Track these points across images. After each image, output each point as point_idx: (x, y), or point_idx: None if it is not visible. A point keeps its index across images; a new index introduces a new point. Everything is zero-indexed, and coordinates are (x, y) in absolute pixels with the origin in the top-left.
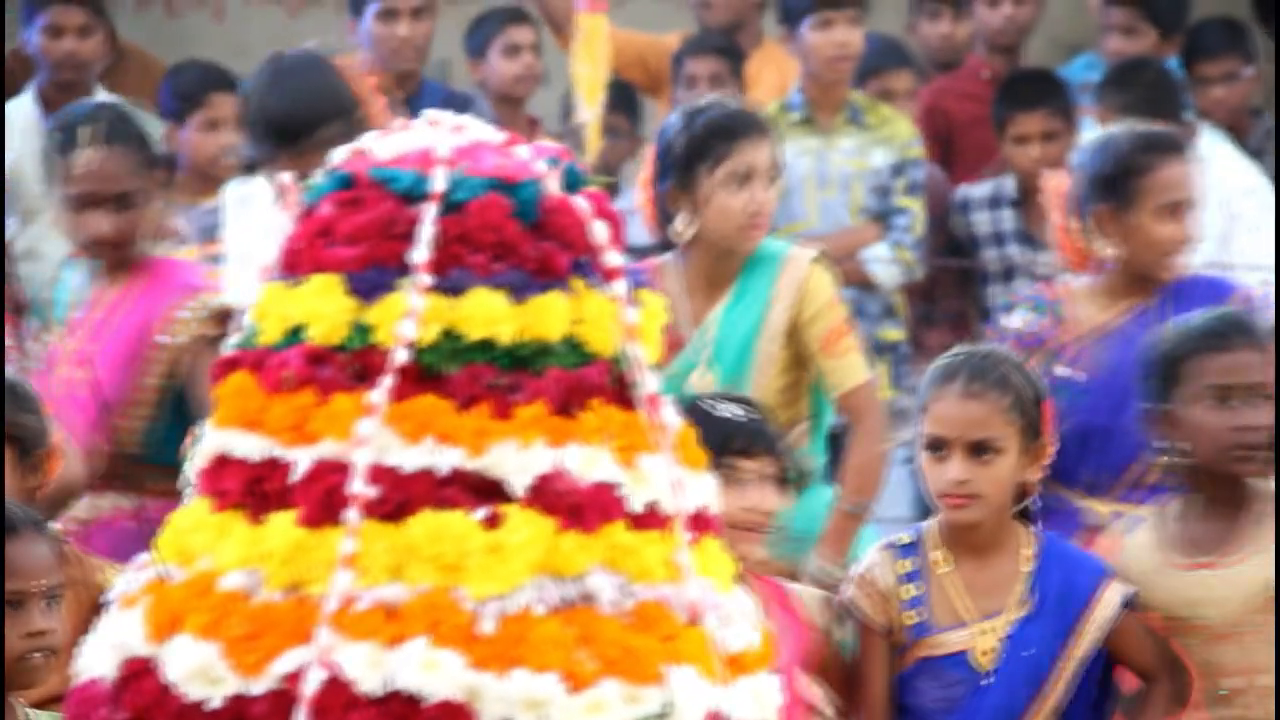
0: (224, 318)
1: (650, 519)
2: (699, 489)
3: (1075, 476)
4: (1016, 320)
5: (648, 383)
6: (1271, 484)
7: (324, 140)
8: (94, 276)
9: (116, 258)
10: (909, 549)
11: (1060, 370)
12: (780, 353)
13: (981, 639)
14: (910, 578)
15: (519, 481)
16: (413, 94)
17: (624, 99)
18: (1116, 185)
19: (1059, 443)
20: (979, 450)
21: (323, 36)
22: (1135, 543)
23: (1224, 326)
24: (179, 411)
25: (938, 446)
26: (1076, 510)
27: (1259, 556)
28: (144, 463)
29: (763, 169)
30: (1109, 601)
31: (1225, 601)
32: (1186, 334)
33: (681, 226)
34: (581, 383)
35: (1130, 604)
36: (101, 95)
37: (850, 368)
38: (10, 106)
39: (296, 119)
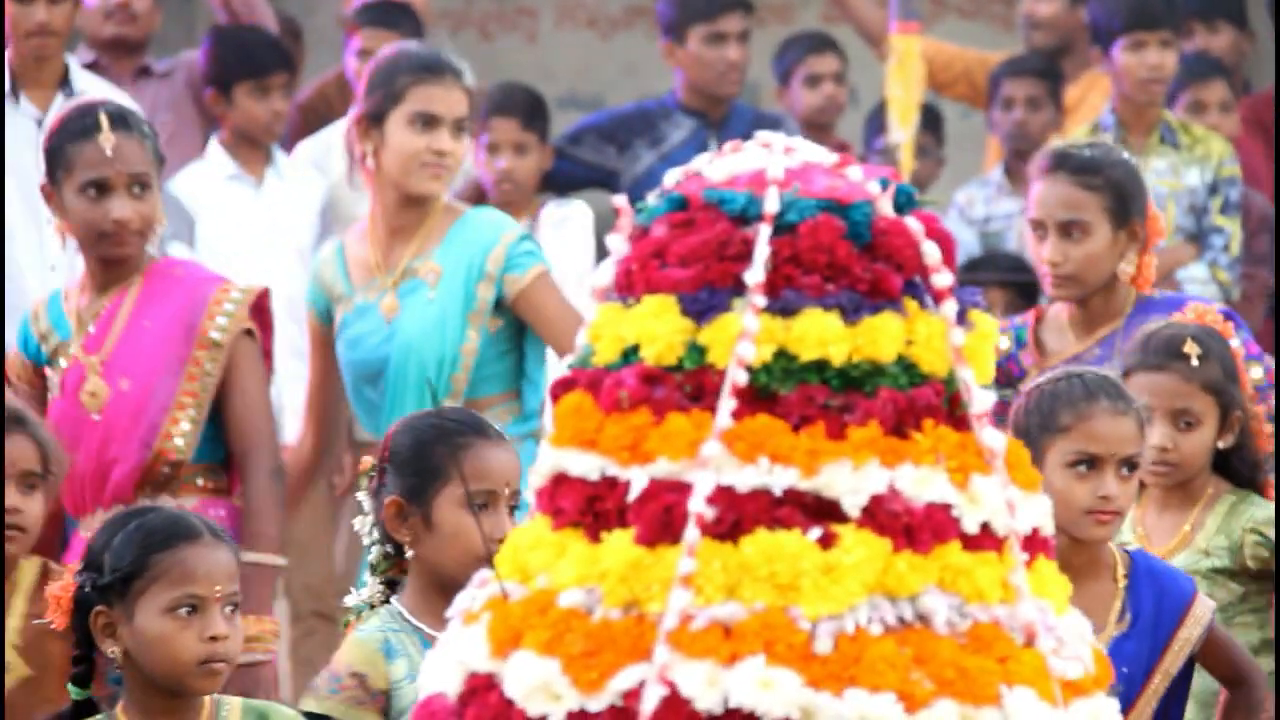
0: (257, 309)
1: (984, 540)
2: (1032, 510)
3: None
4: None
5: (979, 403)
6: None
7: None
8: (97, 290)
9: (130, 257)
10: None
11: None
12: None
13: None
14: None
15: (852, 502)
16: (723, 117)
17: (928, 118)
18: None
19: None
20: (1128, 467)
21: (633, 60)
22: None
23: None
24: (215, 409)
25: (1089, 463)
26: None
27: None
28: (186, 464)
29: None
30: (1198, 618)
31: None
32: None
33: None
34: (914, 403)
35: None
36: None
37: None
38: (334, 130)
39: None
